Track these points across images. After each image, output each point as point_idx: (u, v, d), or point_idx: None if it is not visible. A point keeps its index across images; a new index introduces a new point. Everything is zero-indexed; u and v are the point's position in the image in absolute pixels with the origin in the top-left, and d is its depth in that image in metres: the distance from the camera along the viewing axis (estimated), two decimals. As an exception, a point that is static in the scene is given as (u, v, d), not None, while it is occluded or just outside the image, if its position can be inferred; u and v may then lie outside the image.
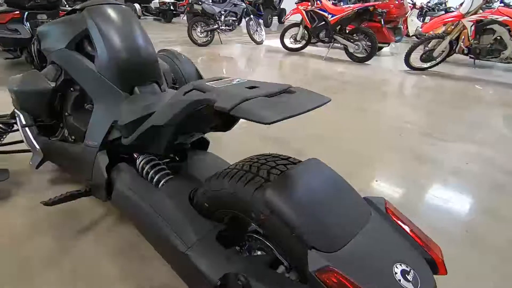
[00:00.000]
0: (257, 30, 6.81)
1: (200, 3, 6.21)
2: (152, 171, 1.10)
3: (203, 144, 1.46)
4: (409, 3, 7.05)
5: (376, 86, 4.05)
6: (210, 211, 0.88)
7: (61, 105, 1.34)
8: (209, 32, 6.31)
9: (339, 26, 5.20)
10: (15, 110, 1.50)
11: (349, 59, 5.39)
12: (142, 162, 1.14)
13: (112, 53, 1.15)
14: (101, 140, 1.17)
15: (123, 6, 1.33)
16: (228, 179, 0.79)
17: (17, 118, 1.58)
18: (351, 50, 5.24)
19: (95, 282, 1.19)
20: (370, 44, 5.01)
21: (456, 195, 1.86)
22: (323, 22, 5.25)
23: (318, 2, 5.19)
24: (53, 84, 1.29)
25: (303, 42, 5.91)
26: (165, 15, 9.74)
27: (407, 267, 0.59)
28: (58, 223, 1.50)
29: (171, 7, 9.47)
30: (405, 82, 4.46)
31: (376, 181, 1.97)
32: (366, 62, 5.28)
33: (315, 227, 0.61)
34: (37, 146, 1.54)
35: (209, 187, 0.86)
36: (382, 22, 5.14)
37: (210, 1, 6.42)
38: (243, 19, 6.94)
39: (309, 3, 5.30)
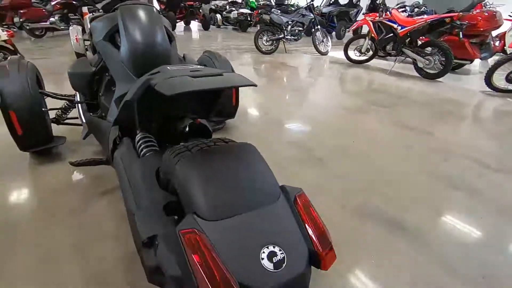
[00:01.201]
0: (323, 41, 6.76)
1: (269, 13, 6.51)
2: (142, 145, 1.27)
3: (206, 133, 1.58)
4: (510, 16, 6.03)
5: (441, 105, 3.61)
6: (164, 184, 0.99)
7: (98, 87, 1.64)
8: (274, 41, 6.55)
9: (409, 39, 4.79)
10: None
11: (418, 74, 4.91)
12: (139, 137, 1.33)
13: (130, 45, 1.39)
14: (115, 117, 1.40)
15: (150, 6, 1.57)
16: (173, 155, 0.89)
17: (75, 97, 1.99)
18: (420, 65, 4.77)
19: (93, 234, 1.43)
20: (444, 59, 4.48)
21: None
22: (391, 34, 4.93)
23: (388, 13, 4.90)
24: (93, 69, 1.60)
25: (369, 54, 5.63)
26: (242, 25, 10.44)
27: (279, 250, 0.59)
28: (86, 184, 1.83)
29: (248, 18, 10.11)
30: (480, 105, 3.84)
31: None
32: (439, 79, 4.73)
33: (201, 197, 0.66)
34: (84, 120, 1.90)
35: (163, 161, 0.97)
36: (460, 36, 4.54)
37: (279, 11, 6.65)
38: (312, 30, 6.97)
39: (377, 14, 5.04)
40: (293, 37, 6.74)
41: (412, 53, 4.78)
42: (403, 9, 5.68)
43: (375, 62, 5.90)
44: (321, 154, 2.31)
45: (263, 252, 0.59)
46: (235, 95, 2.52)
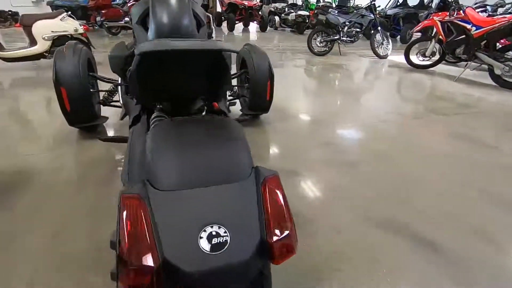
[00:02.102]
0: (382, 44, 6.27)
1: (325, 13, 6.28)
2: (154, 120, 1.28)
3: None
4: None
5: (517, 118, 3.03)
6: None
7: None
8: (328, 42, 6.30)
9: (485, 41, 4.14)
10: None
11: (494, 83, 4.22)
12: (153, 116, 1.35)
13: (156, 27, 1.42)
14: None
15: None
16: (154, 124, 0.86)
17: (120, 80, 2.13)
18: (498, 72, 4.09)
19: (113, 202, 1.50)
20: (530, 66, 3.77)
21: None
22: (463, 36, 4.32)
23: (461, 11, 4.31)
24: (127, 52, 1.69)
25: (434, 59, 5.04)
26: (299, 27, 10.31)
27: (224, 232, 0.51)
28: (117, 159, 1.95)
29: (305, 20, 9.94)
30: None
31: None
32: (521, 90, 3.99)
33: (156, 164, 0.61)
34: (122, 102, 2.02)
35: None
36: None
37: (336, 12, 6.37)
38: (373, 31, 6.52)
39: (447, 13, 4.47)
40: (349, 39, 6.40)
41: (488, 57, 4.12)
42: (483, 8, 4.95)
43: (441, 67, 5.26)
44: (356, 158, 2.10)
45: (204, 231, 0.52)
46: (270, 90, 2.46)
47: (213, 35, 5.27)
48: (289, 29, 11.85)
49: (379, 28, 6.14)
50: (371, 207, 1.58)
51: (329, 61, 5.97)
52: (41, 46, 4.17)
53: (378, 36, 6.21)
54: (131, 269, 0.47)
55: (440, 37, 4.65)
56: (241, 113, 2.69)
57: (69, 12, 4.51)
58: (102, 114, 2.42)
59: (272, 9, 11.75)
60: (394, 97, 3.72)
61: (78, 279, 1.11)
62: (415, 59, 5.29)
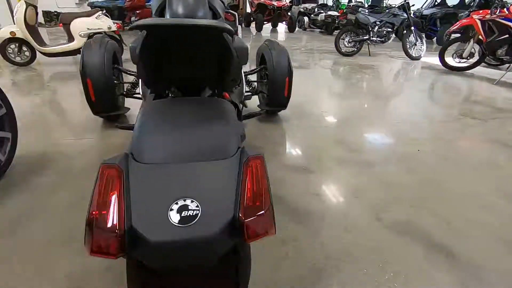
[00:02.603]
0: (415, 44, 5.96)
1: (355, 13, 6.09)
2: None
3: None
4: None
5: None
6: None
7: None
8: (357, 43, 6.10)
9: (532, 41, 3.78)
10: None
11: (540, 87, 3.84)
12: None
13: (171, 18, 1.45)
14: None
15: None
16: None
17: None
18: (545, 75, 3.72)
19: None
20: None
21: None
22: (506, 35, 3.98)
23: (504, 9, 3.97)
24: None
25: (472, 60, 4.69)
26: (328, 27, 10.12)
27: (196, 207, 0.49)
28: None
29: (335, 20, 9.73)
30: None
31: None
32: None
33: (139, 137, 0.61)
34: (141, 93, 2.09)
35: None
36: None
37: (367, 11, 6.16)
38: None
39: (488, 11, 4.14)
40: (379, 39, 6.15)
41: (534, 59, 3.76)
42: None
43: (479, 70, 4.88)
44: (375, 159, 2.00)
45: (176, 203, 0.51)
46: (288, 86, 2.42)
47: (239, 33, 5.31)
48: (318, 30, 11.67)
49: (412, 28, 5.85)
50: (385, 209, 1.49)
51: (357, 61, 5.78)
52: (78, 42, 4.44)
53: (412, 37, 5.92)
54: (95, 235, 0.47)
55: (480, 37, 4.32)
56: (258, 109, 2.68)
57: (104, 11, 4.77)
58: (126, 106, 2.52)
59: (302, 10, 11.65)
60: (425, 100, 3.51)
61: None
62: (451, 61, 4.96)
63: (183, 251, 0.47)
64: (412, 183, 1.73)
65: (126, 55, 5.05)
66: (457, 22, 4.78)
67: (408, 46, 5.96)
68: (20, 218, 1.35)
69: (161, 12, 1.63)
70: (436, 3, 8.68)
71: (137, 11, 8.34)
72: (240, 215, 0.51)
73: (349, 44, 6.17)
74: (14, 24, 4.17)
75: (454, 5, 8.43)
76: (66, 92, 3.30)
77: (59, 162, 1.82)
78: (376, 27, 6.06)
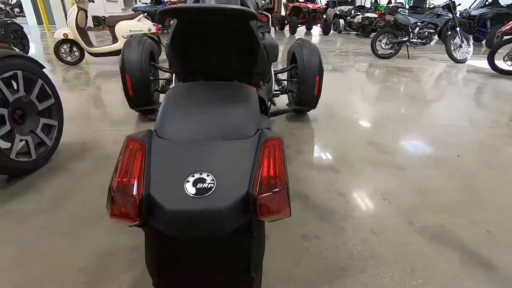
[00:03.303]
0: (461, 46, 5.57)
1: (394, 13, 5.84)
2: None
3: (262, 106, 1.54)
4: None
5: None
6: None
7: None
8: (395, 45, 5.84)
9: None
10: None
11: None
12: None
13: None
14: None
15: None
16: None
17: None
18: None
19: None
20: None
21: None
22: None
23: None
24: None
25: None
26: (364, 30, 9.81)
27: (212, 180, 0.50)
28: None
29: (373, 22, 9.41)
30: None
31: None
32: None
33: (163, 116, 0.63)
34: (174, 88, 2.18)
35: None
36: None
37: (407, 11, 5.87)
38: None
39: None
40: (420, 41, 5.84)
41: None
42: None
43: (537, 74, 4.42)
44: (407, 162, 1.89)
45: (193, 176, 0.52)
46: (318, 85, 2.37)
47: (272, 35, 5.34)
48: (354, 32, 11.36)
49: (458, 29, 5.47)
50: (417, 213, 1.40)
51: (394, 64, 5.53)
52: (121, 43, 4.75)
53: (457, 38, 5.53)
54: (116, 200, 0.50)
55: (537, 37, 3.92)
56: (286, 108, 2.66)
57: (145, 14, 5.06)
58: (160, 101, 2.64)
59: (338, 12, 11.43)
60: (470, 104, 3.25)
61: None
62: (501, 64, 4.56)
63: (196, 221, 0.48)
64: (448, 188, 1.61)
65: (163, 56, 5.30)
66: (510, 22, 4.39)
67: (452, 48, 5.58)
68: (61, 197, 1.47)
69: None
70: (487, 3, 8.04)
71: (176, 15, 8.72)
72: (253, 191, 0.51)
73: (386, 46, 5.93)
74: (67, 26, 4.58)
75: (508, 5, 7.74)
76: (108, 89, 3.54)
77: (96, 150, 1.95)
78: (417, 28, 5.76)
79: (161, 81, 2.60)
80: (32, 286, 1.00)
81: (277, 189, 0.51)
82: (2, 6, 14.26)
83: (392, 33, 5.84)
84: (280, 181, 0.52)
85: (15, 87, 1.59)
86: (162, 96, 2.69)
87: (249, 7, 1.73)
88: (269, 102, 2.04)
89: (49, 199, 1.46)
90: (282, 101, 2.86)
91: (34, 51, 6.23)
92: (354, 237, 1.24)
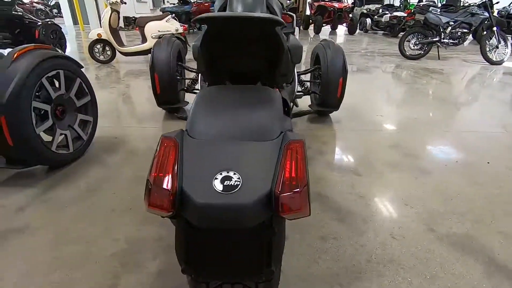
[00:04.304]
0: (497, 47, 5.27)
1: (424, 12, 5.63)
2: None
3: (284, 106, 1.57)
4: None
5: None
6: None
7: None
8: (424, 45, 5.63)
9: None
10: None
11: None
12: None
13: None
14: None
15: None
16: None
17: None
18: None
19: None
20: None
21: None
22: None
23: None
24: None
25: None
26: (392, 29, 9.50)
27: (238, 178, 0.55)
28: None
29: (402, 21, 9.10)
30: None
31: None
32: None
33: (194, 116, 0.68)
34: (200, 88, 2.26)
35: None
36: None
37: (438, 10, 5.63)
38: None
39: None
40: (452, 41, 5.59)
41: None
42: None
43: None
44: (432, 167, 1.85)
45: (221, 173, 0.56)
46: (341, 87, 2.36)
47: (296, 35, 5.33)
48: (381, 32, 11.04)
49: (494, 28, 5.18)
50: (440, 220, 1.37)
51: (422, 65, 5.33)
52: (150, 43, 4.95)
53: (493, 39, 5.24)
54: (153, 192, 0.56)
55: None
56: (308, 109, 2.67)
57: (173, 15, 5.23)
58: (185, 100, 2.75)
59: (365, 11, 11.15)
60: (504, 110, 3.08)
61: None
62: (542, 66, 4.27)
63: (223, 214, 0.53)
64: (476, 196, 1.56)
65: (189, 55, 5.46)
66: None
67: (487, 49, 5.30)
68: (95, 187, 1.58)
69: (222, 11, 1.75)
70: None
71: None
72: (275, 189, 0.54)
73: (415, 47, 5.73)
74: (101, 27, 4.84)
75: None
76: (136, 86, 3.71)
77: (126, 145, 2.07)
78: (449, 28, 5.51)
79: (187, 81, 2.70)
80: (70, 265, 1.10)
81: (298, 189, 0.54)
82: (43, 7, 15.24)
83: (422, 33, 5.63)
84: (301, 181, 0.55)
85: (57, 85, 1.73)
86: (187, 95, 2.79)
87: (275, 9, 1.77)
88: (292, 103, 2.07)
89: (84, 188, 1.57)
90: (304, 102, 2.87)
91: (69, 49, 6.63)
92: (373, 241, 1.24)
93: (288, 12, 3.98)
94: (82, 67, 1.87)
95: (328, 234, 1.27)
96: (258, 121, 0.68)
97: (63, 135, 1.74)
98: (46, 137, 1.67)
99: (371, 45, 8.56)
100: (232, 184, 0.55)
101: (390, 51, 7.06)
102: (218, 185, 0.55)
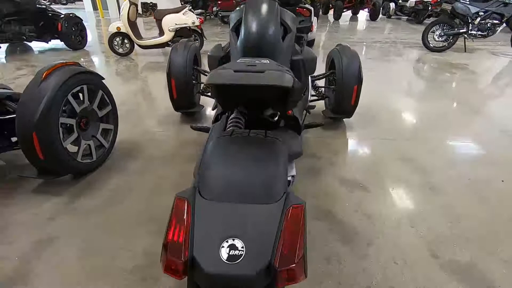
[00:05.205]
0: (530, 40, 4.93)
1: (452, 1, 5.31)
2: (230, 123, 1.45)
3: (295, 126, 1.61)
4: None
5: None
6: None
7: None
8: (450, 37, 5.36)
9: None
10: None
11: None
12: (231, 116, 1.52)
13: (243, 37, 1.56)
14: None
15: (272, 1, 1.68)
16: (215, 136, 0.99)
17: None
18: None
19: (186, 185, 1.79)
20: None
21: None
22: None
23: None
24: (222, 54, 1.90)
25: None
26: (417, 15, 9.02)
27: (242, 247, 0.61)
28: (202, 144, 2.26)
29: (428, 7, 8.60)
30: None
31: None
32: None
33: (206, 177, 0.75)
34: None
35: None
36: None
37: (468, 0, 5.29)
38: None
39: None
40: (480, 33, 5.28)
41: None
42: None
43: None
44: (445, 184, 1.84)
45: (227, 241, 0.63)
46: (356, 95, 2.35)
47: (314, 27, 5.18)
48: (405, 17, 10.49)
49: (529, 20, 4.84)
50: (445, 245, 1.40)
51: (446, 58, 5.10)
52: (167, 36, 5.00)
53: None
54: (168, 259, 0.64)
55: None
56: (321, 115, 2.67)
57: (190, 7, 5.21)
58: (200, 103, 2.81)
59: (389, -5, 10.59)
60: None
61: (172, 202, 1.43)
62: None
63: (229, 283, 0.61)
64: (485, 219, 1.56)
65: (206, 46, 5.47)
66: None
67: (519, 42, 4.98)
68: (116, 196, 1.71)
69: (237, 28, 1.76)
70: None
71: (219, 1, 8.79)
72: (275, 262, 0.61)
73: (440, 38, 5.46)
74: (119, 15, 4.92)
75: None
76: (154, 82, 3.80)
77: (146, 151, 2.18)
78: (478, 19, 5.19)
79: (201, 84, 2.75)
80: (96, 277, 1.23)
81: (294, 264, 0.61)
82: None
83: (448, 23, 5.34)
84: (298, 253, 0.61)
85: (81, 98, 1.83)
86: (202, 99, 2.85)
87: (288, 24, 1.75)
88: (305, 111, 2.09)
89: (106, 197, 1.70)
90: (318, 107, 2.86)
91: (90, 39, 6.77)
92: (375, 265, 1.30)
93: (306, 6, 3.91)
94: (103, 78, 1.96)
95: (332, 255, 1.34)
96: (264, 182, 0.74)
97: (87, 145, 1.86)
98: (72, 148, 1.80)
99: (393, 33, 8.21)
100: (237, 254, 0.62)
101: (413, 41, 6.76)
102: (224, 254, 0.62)
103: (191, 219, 0.67)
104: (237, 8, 1.88)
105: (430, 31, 5.50)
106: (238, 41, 1.63)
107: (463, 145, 2.32)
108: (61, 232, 1.46)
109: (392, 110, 3.00)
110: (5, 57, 5.16)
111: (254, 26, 1.57)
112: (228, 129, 1.37)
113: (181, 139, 2.38)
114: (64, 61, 1.73)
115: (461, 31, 5.26)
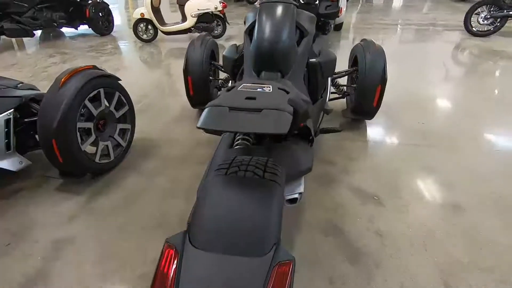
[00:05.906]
0: None
1: (504, -21, 4.70)
2: (238, 137, 1.43)
3: (307, 137, 1.54)
4: None
5: None
6: None
7: (238, 72, 1.89)
8: (496, 20, 4.81)
9: None
10: None
11: None
12: None
13: (256, 41, 1.49)
14: None
15: (288, 4, 1.56)
16: (216, 168, 0.97)
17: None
18: None
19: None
20: None
21: None
22: None
23: None
24: (236, 56, 1.84)
25: None
26: (463, -9, 8.12)
27: None
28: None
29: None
30: None
31: None
32: None
33: (197, 222, 0.74)
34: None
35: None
36: None
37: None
38: None
39: None
40: (535, 15, 4.66)
41: None
42: None
43: None
44: (468, 202, 1.72)
45: None
46: (379, 95, 2.20)
47: (343, 9, 4.85)
48: (449, -7, 9.48)
49: None
50: (460, 273, 1.32)
51: (490, 45, 4.61)
52: (189, 22, 4.94)
53: None
54: None
55: None
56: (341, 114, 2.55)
57: (213, -10, 5.06)
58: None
59: (431, -32, 9.57)
60: None
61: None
62: None
63: None
64: (509, 247, 1.44)
65: (229, 31, 5.35)
66: None
67: None
68: (132, 197, 1.78)
69: (251, 31, 1.68)
70: None
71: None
72: None
73: (485, 21, 4.92)
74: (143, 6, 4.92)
75: None
76: (176, 71, 3.81)
77: (162, 149, 2.23)
78: (534, -1, 4.57)
79: (219, 80, 2.71)
80: (110, 281, 1.31)
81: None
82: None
83: (496, 4, 4.77)
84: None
85: (99, 101, 1.88)
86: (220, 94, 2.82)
87: (304, 27, 1.64)
88: (322, 113, 2.00)
89: (123, 197, 1.78)
90: (338, 105, 2.72)
91: (118, 23, 6.87)
92: (382, 290, 1.26)
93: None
94: (119, 79, 1.99)
95: (337, 277, 1.32)
96: (253, 233, 0.72)
97: (105, 145, 1.93)
98: (90, 149, 1.87)
99: (432, 12, 7.51)
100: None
101: (453, 22, 6.16)
102: None
103: (177, 270, 0.67)
104: (254, 9, 1.79)
105: (475, 12, 4.96)
106: (251, 45, 1.56)
107: (501, 157, 2.12)
108: (79, 234, 1.56)
109: (420, 107, 2.79)
110: (39, 43, 5.41)
111: (267, 32, 1.49)
112: (235, 146, 1.35)
113: (196, 139, 2.38)
114: (81, 67, 1.76)
115: (511, 13, 4.68)
